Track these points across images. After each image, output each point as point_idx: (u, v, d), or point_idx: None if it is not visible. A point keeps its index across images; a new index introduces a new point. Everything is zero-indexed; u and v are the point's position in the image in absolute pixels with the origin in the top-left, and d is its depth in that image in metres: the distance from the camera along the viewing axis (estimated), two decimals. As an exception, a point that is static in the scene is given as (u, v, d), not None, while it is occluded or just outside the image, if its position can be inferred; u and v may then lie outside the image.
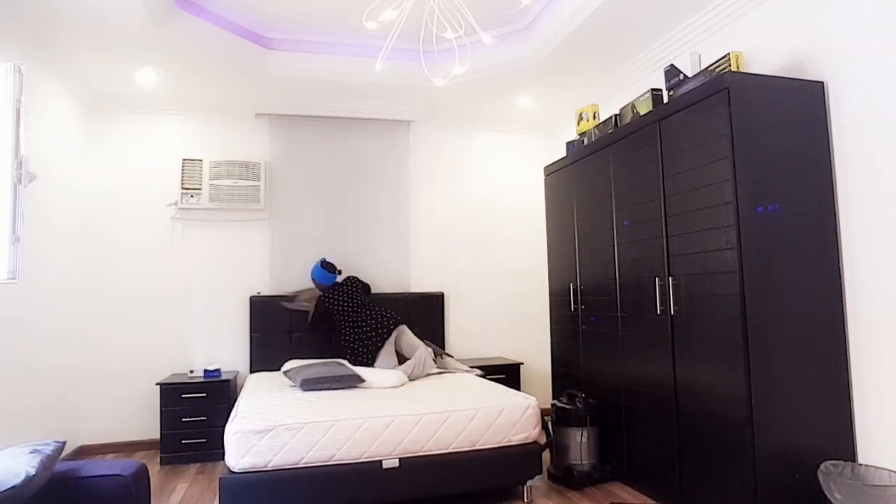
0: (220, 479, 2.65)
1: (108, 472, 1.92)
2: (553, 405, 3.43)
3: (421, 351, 3.91)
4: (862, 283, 2.40)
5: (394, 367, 3.90)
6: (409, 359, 4.01)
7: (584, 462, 3.25)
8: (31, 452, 1.74)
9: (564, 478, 3.26)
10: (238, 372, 4.45)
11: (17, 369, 3.23)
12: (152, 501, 2.92)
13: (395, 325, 4.12)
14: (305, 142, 4.81)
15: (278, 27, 3.88)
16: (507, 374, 4.56)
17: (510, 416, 3.04)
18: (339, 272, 4.33)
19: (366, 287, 4.47)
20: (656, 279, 2.90)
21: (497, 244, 5.20)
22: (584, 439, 3.26)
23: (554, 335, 4.08)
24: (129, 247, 4.41)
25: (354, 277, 4.38)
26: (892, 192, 2.28)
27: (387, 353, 4.00)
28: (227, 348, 4.52)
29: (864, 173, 2.39)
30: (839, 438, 2.41)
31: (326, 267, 4.30)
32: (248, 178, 4.52)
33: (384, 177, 4.97)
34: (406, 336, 4.14)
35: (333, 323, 4.20)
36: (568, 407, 3.32)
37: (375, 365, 3.96)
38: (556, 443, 3.36)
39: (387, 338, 4.02)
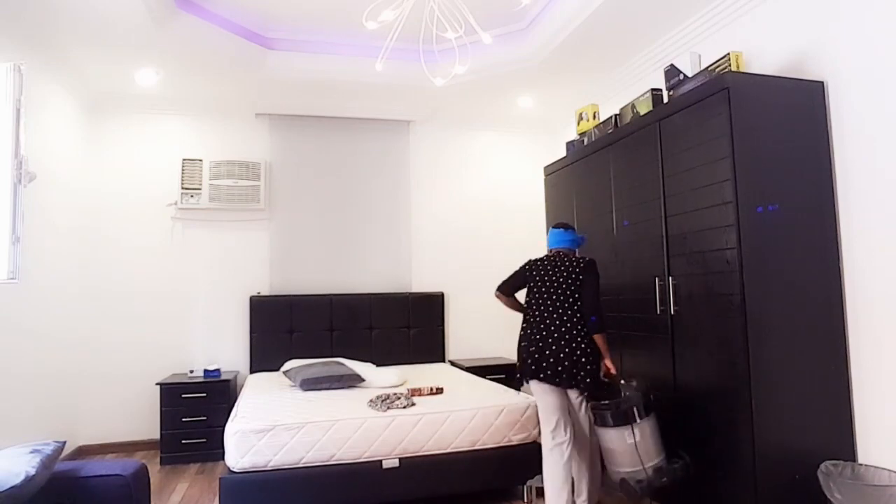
0: (220, 478, 2.65)
1: (108, 472, 1.92)
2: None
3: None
4: (862, 282, 2.40)
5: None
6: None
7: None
8: (31, 452, 1.74)
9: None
10: (238, 372, 4.45)
11: (16, 369, 3.23)
12: (152, 501, 2.92)
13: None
14: (305, 142, 4.81)
15: (278, 27, 3.88)
16: (507, 374, 4.56)
17: (510, 416, 3.04)
18: (583, 238, 3.03)
19: (588, 268, 2.81)
20: (656, 279, 2.90)
21: (497, 244, 5.19)
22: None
23: (554, 335, 4.06)
24: (129, 247, 4.41)
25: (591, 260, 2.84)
26: (891, 192, 2.28)
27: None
28: (227, 348, 4.52)
29: (864, 173, 2.39)
30: (839, 438, 2.41)
31: (560, 226, 2.98)
32: (248, 178, 4.52)
33: (384, 177, 4.97)
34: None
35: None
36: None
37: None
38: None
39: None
